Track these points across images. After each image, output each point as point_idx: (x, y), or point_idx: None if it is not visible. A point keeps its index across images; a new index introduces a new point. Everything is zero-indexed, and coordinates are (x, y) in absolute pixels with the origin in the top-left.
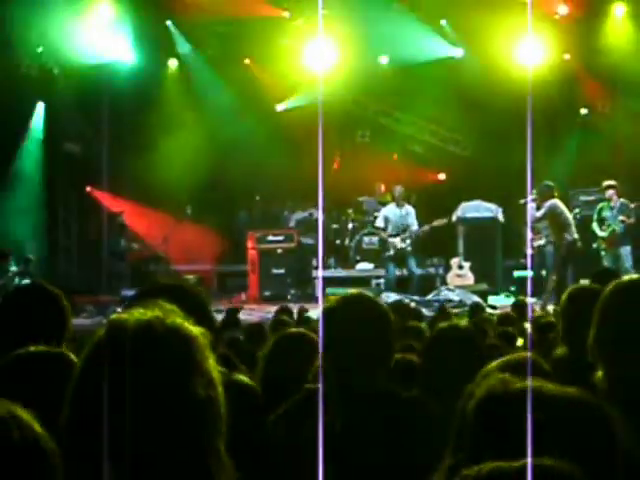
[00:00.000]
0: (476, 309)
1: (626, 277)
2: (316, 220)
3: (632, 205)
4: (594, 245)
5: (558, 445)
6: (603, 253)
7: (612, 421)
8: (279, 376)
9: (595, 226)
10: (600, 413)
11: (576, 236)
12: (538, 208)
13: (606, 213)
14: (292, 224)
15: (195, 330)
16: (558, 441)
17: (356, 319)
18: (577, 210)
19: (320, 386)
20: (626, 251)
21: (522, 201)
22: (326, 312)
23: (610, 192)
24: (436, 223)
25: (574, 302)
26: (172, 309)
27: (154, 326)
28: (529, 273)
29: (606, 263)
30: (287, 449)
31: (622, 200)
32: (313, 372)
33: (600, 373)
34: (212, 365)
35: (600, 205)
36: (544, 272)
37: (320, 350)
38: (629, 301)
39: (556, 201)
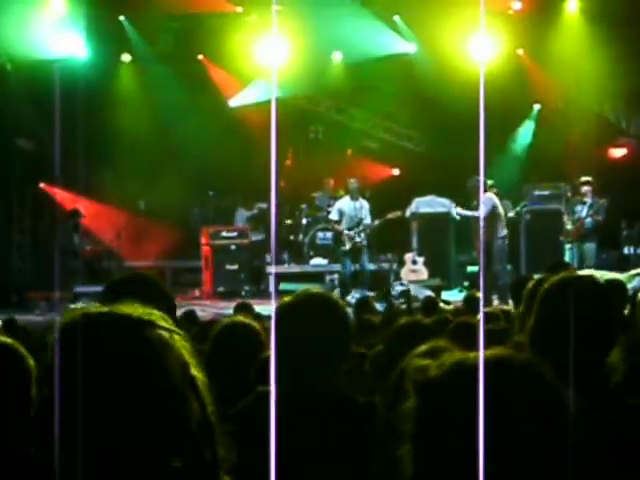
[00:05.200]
0: (428, 304)
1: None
2: (265, 215)
3: (601, 201)
4: (561, 238)
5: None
6: (568, 246)
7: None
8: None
9: (566, 219)
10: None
11: (506, 232)
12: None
13: (577, 207)
14: (240, 224)
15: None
16: (510, 409)
17: (311, 317)
18: (524, 202)
19: (272, 388)
20: (591, 248)
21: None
22: (280, 310)
23: (585, 188)
24: (390, 215)
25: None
26: (133, 301)
27: (128, 315)
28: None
29: (568, 258)
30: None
31: (596, 198)
32: (256, 367)
33: None
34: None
35: (573, 200)
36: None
37: (272, 350)
38: (557, 295)
39: (492, 195)
